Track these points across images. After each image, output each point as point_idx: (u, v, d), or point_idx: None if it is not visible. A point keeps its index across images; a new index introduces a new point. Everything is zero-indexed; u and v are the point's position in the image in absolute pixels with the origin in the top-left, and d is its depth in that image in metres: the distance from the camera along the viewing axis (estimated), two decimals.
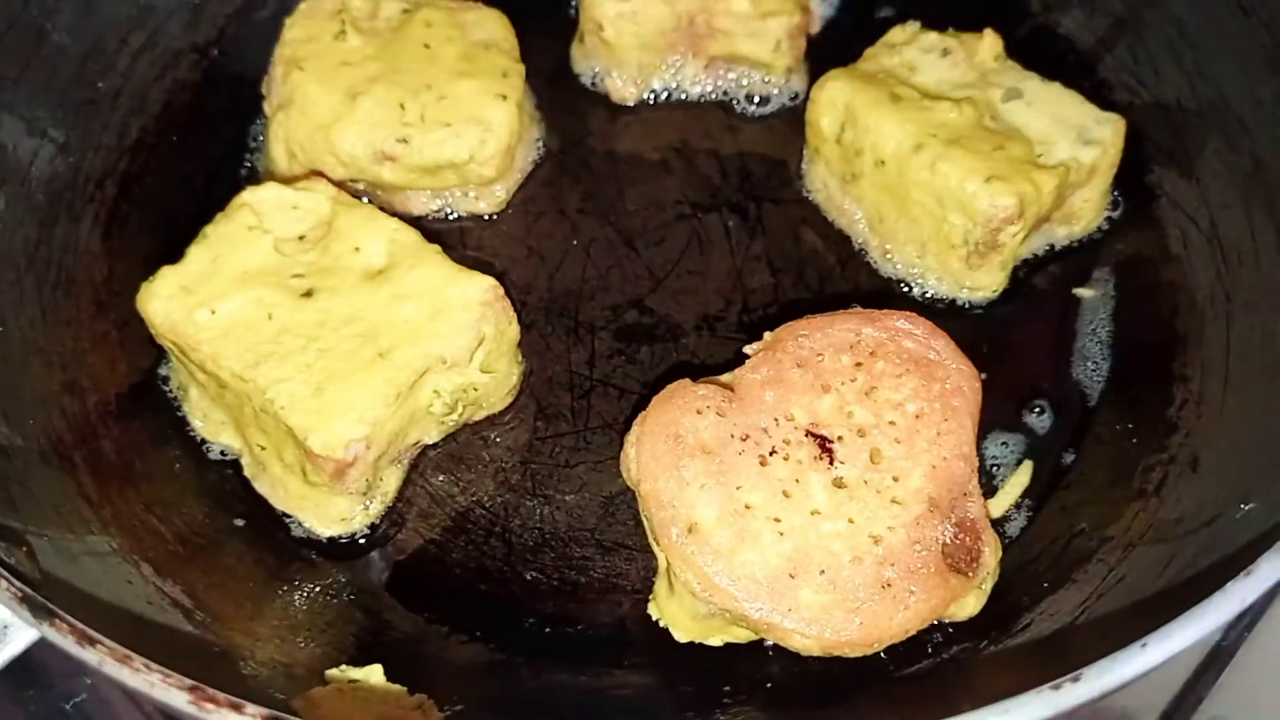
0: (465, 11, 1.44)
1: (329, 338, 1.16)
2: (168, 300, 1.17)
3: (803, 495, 1.08)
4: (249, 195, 1.26)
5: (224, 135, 1.48)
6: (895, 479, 1.08)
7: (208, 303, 1.17)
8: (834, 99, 1.37)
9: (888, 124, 1.32)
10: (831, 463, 1.09)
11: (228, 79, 1.51)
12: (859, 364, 1.13)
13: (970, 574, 1.07)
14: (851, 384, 1.12)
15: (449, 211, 1.42)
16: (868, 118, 1.34)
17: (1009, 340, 1.34)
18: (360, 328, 1.17)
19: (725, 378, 1.16)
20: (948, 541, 1.07)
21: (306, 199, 1.26)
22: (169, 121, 1.46)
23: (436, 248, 1.24)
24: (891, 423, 1.11)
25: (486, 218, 1.43)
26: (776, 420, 1.11)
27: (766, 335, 1.17)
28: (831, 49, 1.50)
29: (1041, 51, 1.49)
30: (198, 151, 1.46)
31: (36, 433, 1.13)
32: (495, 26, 1.43)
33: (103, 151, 1.39)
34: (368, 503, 1.21)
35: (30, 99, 1.32)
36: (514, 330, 1.24)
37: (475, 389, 1.23)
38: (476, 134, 1.36)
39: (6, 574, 0.80)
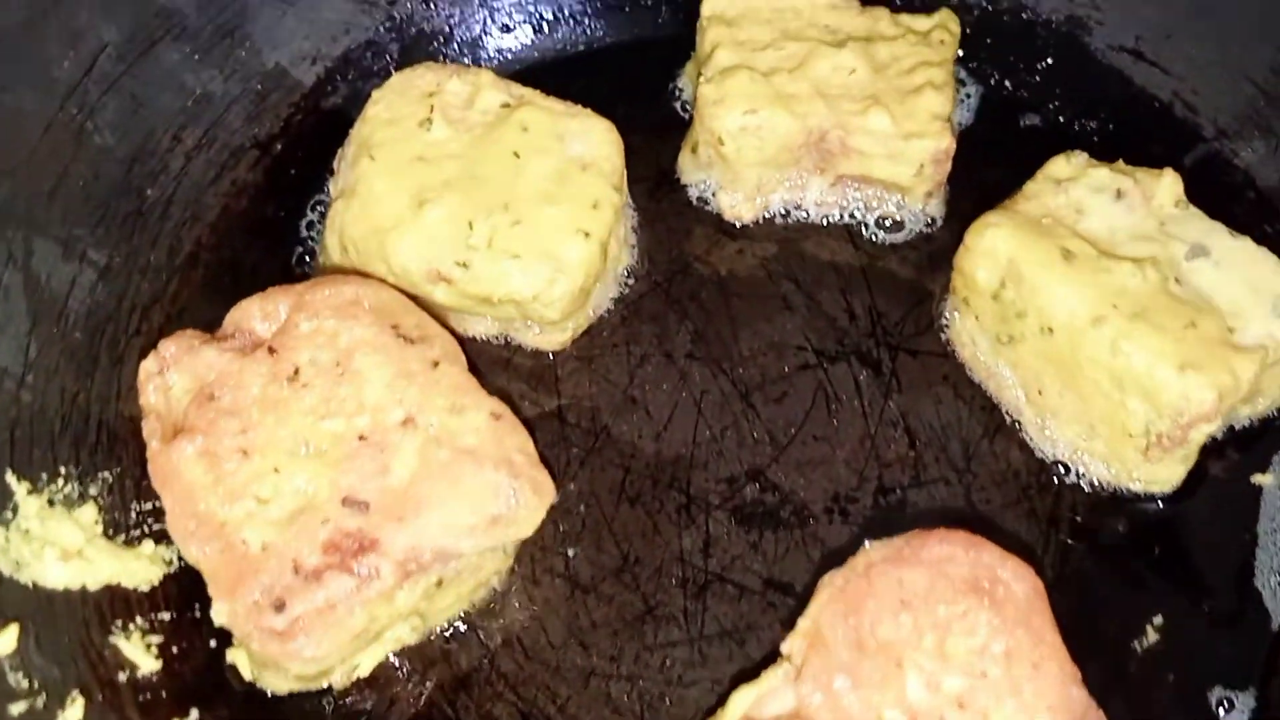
0: (570, 118, 1.25)
1: None
2: None
3: None
4: None
5: (283, 251, 1.30)
6: None
7: None
8: (994, 249, 1.18)
9: (1060, 288, 1.14)
10: None
11: (290, 179, 1.33)
12: (915, 620, 0.96)
13: None
14: (922, 647, 0.95)
15: (514, 340, 1.26)
16: (1035, 277, 1.15)
17: (1183, 542, 1.17)
18: None
19: (764, 691, 0.97)
20: None
21: None
22: (225, 231, 1.28)
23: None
24: (984, 674, 0.94)
25: (576, 357, 1.25)
26: None
27: (801, 623, 0.99)
28: (971, 162, 1.31)
29: (1214, 183, 1.32)
30: (253, 265, 1.28)
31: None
32: (600, 141, 1.24)
33: (150, 273, 1.21)
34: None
35: (67, 214, 1.14)
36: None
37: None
38: (546, 273, 1.17)
39: None
